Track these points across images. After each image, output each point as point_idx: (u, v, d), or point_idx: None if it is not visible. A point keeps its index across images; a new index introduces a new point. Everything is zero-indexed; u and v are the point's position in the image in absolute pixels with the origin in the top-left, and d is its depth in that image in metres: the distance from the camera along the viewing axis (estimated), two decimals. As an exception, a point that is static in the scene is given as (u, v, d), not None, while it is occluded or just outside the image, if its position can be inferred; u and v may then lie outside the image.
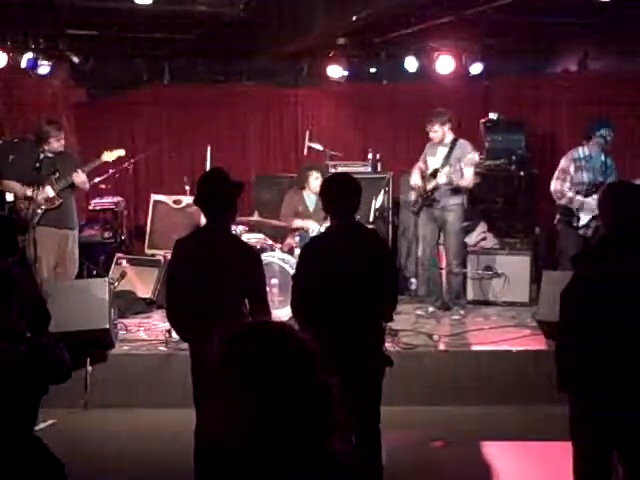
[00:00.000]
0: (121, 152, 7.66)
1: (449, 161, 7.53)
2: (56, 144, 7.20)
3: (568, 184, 7.22)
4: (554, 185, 7.29)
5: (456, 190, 7.54)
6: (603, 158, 7.22)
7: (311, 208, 7.95)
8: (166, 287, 4.56)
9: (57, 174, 7.18)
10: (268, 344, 1.65)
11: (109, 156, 7.53)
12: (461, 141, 7.63)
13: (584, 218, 7.15)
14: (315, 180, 7.82)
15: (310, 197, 7.99)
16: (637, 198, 3.69)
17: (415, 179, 7.75)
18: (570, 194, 7.19)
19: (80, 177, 7.22)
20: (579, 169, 7.22)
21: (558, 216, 7.41)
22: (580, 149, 7.29)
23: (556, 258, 7.86)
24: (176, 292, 4.40)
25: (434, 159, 7.66)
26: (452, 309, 7.83)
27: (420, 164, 7.80)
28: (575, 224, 7.20)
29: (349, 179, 4.47)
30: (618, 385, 3.40)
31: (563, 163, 7.31)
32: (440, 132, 7.55)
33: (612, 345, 3.41)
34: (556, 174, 7.31)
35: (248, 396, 1.61)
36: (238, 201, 4.44)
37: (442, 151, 7.62)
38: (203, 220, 4.82)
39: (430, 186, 7.57)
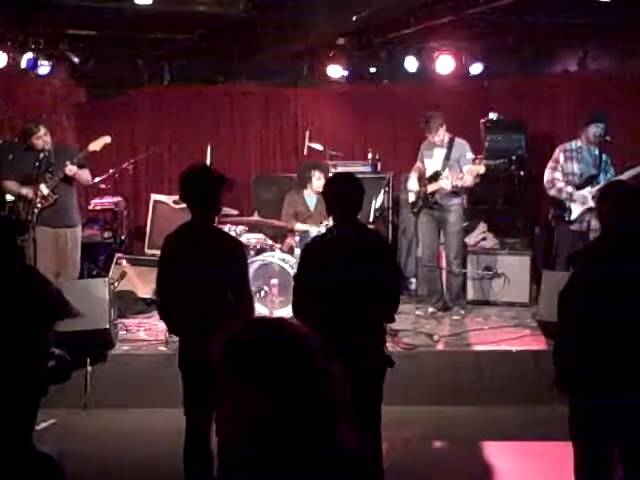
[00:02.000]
0: (107, 139, 7.34)
1: (449, 163, 7.53)
2: (38, 142, 6.95)
3: (559, 174, 7.30)
4: (546, 175, 7.40)
5: (456, 190, 7.55)
6: (597, 152, 7.24)
7: (311, 208, 7.94)
8: (156, 283, 4.60)
9: (51, 170, 6.97)
10: (269, 339, 1.66)
11: (95, 145, 7.24)
12: (458, 140, 7.62)
13: (575, 211, 7.17)
14: (317, 180, 7.79)
15: (310, 197, 7.98)
16: (633, 198, 3.70)
17: (412, 184, 7.73)
18: (560, 184, 7.25)
19: (71, 170, 6.99)
20: (569, 159, 7.29)
21: (552, 211, 7.44)
22: (573, 142, 7.39)
23: (553, 256, 7.85)
24: (165, 287, 4.45)
25: (431, 161, 7.65)
26: (452, 309, 7.83)
27: (419, 164, 7.79)
28: (567, 218, 7.21)
29: (352, 179, 4.46)
30: (617, 385, 3.40)
31: (555, 154, 7.43)
32: (441, 135, 7.56)
33: (610, 345, 3.41)
34: (548, 164, 7.43)
35: (251, 395, 1.61)
36: (225, 196, 4.49)
37: (439, 153, 7.61)
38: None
39: (431, 189, 7.56)
